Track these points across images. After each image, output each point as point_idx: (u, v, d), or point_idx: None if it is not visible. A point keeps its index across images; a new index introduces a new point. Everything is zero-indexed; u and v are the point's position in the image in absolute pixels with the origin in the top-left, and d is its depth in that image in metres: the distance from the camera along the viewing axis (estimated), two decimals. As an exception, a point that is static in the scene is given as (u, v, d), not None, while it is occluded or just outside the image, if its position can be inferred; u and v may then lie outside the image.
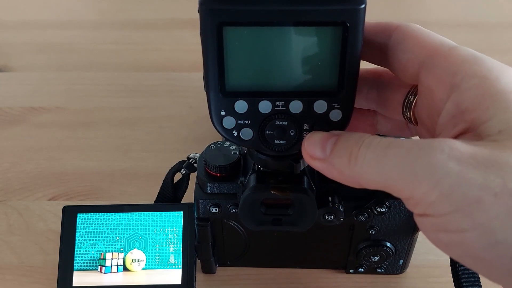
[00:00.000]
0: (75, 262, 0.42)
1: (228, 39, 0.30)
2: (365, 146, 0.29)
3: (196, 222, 0.41)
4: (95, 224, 0.43)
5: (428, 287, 0.45)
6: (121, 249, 0.43)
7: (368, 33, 0.33)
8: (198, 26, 0.30)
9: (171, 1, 0.83)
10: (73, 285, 0.42)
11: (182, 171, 0.45)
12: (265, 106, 0.33)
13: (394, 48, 0.32)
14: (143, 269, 0.42)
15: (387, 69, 0.34)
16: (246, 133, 0.34)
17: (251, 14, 0.29)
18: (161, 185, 0.46)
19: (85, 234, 0.43)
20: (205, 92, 0.33)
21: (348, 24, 0.29)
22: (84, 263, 0.42)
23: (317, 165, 0.32)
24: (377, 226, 0.41)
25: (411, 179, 0.27)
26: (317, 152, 0.31)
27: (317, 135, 0.32)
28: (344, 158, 0.30)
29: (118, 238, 0.43)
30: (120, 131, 0.60)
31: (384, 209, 0.39)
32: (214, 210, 0.40)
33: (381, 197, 0.38)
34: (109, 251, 0.43)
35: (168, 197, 0.46)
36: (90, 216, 0.43)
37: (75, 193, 0.53)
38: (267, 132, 0.33)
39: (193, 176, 0.43)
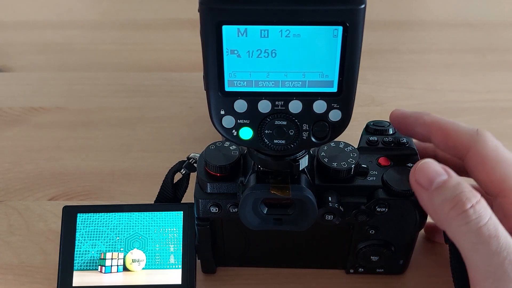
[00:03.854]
0: (75, 262, 0.42)
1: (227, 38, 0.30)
2: (466, 218, 0.32)
3: (196, 222, 0.41)
4: (95, 224, 0.43)
5: (428, 287, 0.45)
6: (121, 249, 0.43)
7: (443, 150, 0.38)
8: (198, 26, 0.30)
9: (171, 1, 0.83)
10: (73, 285, 0.42)
11: (182, 171, 0.45)
12: (264, 106, 0.33)
13: (470, 170, 0.37)
14: (143, 269, 0.42)
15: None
16: (246, 133, 0.34)
17: (250, 14, 0.29)
18: (161, 185, 0.46)
19: (85, 234, 0.43)
20: (205, 92, 0.33)
21: (348, 24, 0.30)
22: (84, 263, 0.42)
23: (417, 189, 0.35)
24: (377, 226, 0.41)
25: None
26: (424, 180, 0.34)
27: (430, 164, 0.35)
28: (446, 206, 0.33)
29: (118, 238, 0.43)
30: (120, 131, 0.60)
31: (384, 209, 0.39)
32: (214, 210, 0.40)
33: (381, 197, 0.38)
34: (109, 251, 0.43)
35: (168, 197, 0.46)
36: (90, 216, 0.43)
37: (75, 193, 0.53)
38: (266, 131, 0.33)
39: (193, 176, 0.43)
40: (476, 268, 0.33)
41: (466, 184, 0.34)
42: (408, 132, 0.40)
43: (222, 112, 0.33)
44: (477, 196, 0.33)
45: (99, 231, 0.43)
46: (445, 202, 0.33)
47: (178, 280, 0.42)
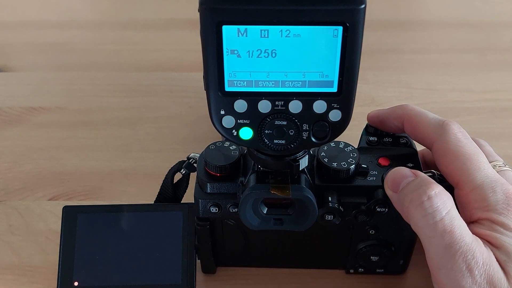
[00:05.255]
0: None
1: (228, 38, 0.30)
2: (423, 211, 0.34)
3: (196, 222, 0.41)
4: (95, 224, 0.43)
5: (428, 287, 0.45)
6: (121, 249, 0.43)
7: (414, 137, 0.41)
8: (198, 26, 0.30)
9: (171, 1, 0.83)
10: (73, 285, 0.42)
11: (182, 171, 0.45)
12: (264, 106, 0.33)
13: (436, 161, 0.38)
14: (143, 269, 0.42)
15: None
16: (246, 133, 0.34)
17: (250, 14, 0.29)
18: (161, 185, 0.46)
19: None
20: (205, 92, 0.33)
21: (348, 24, 0.30)
22: (84, 263, 0.42)
23: (390, 195, 0.37)
24: (377, 226, 0.41)
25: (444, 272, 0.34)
26: (393, 186, 0.36)
27: (400, 170, 0.37)
28: (406, 201, 0.35)
29: (118, 238, 0.43)
30: (120, 131, 0.60)
31: (384, 209, 0.39)
32: (214, 210, 0.40)
33: (381, 197, 0.38)
34: (109, 251, 0.43)
35: (168, 197, 0.46)
36: (90, 216, 0.43)
37: (75, 193, 0.53)
38: (266, 131, 0.33)
39: (193, 176, 0.43)
40: (431, 258, 0.35)
41: (429, 180, 0.35)
42: (386, 128, 0.42)
43: (222, 112, 0.33)
44: (435, 189, 0.34)
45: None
46: (405, 197, 0.35)
47: (178, 280, 0.42)
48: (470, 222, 0.36)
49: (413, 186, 0.35)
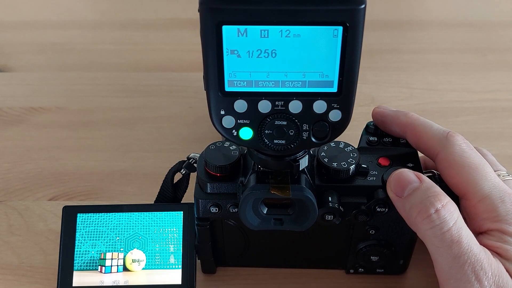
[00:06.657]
0: (75, 262, 0.42)
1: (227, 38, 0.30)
2: (431, 223, 0.34)
3: (196, 222, 0.41)
4: (95, 224, 0.43)
5: (428, 287, 0.45)
6: (121, 249, 0.43)
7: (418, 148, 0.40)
8: (198, 26, 0.30)
9: (171, 1, 0.83)
10: (73, 285, 0.42)
11: (182, 171, 0.45)
12: (264, 106, 0.33)
13: (440, 171, 0.38)
14: (143, 269, 0.42)
15: None
16: (246, 133, 0.34)
17: (250, 14, 0.29)
18: (161, 185, 0.46)
19: (85, 234, 0.43)
20: (205, 92, 0.33)
21: (348, 24, 0.30)
22: (84, 263, 0.42)
23: (393, 198, 0.37)
24: (377, 226, 0.41)
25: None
26: (397, 189, 0.36)
27: (404, 173, 0.36)
28: (413, 211, 0.35)
29: (118, 238, 0.43)
30: (120, 131, 0.60)
31: (384, 209, 0.39)
32: (214, 210, 0.40)
33: (381, 197, 0.38)
34: (109, 251, 0.43)
35: (168, 197, 0.46)
36: (90, 216, 0.43)
37: (75, 193, 0.53)
38: (266, 131, 0.33)
39: (193, 176, 0.43)
40: (440, 268, 0.35)
41: (435, 188, 0.35)
42: (387, 130, 0.42)
43: (222, 112, 0.33)
44: (443, 201, 0.34)
45: (99, 231, 0.43)
46: (413, 207, 0.35)
47: (178, 280, 0.42)
48: (479, 233, 0.36)
49: (419, 196, 0.35)
